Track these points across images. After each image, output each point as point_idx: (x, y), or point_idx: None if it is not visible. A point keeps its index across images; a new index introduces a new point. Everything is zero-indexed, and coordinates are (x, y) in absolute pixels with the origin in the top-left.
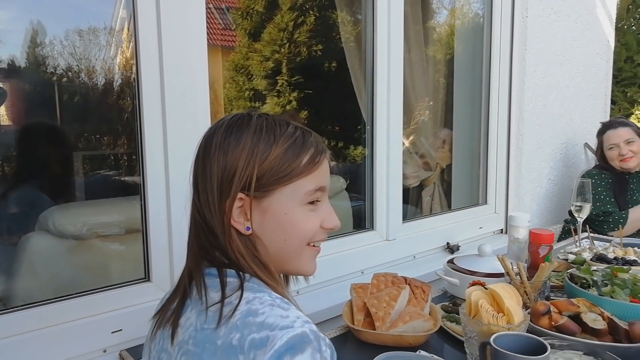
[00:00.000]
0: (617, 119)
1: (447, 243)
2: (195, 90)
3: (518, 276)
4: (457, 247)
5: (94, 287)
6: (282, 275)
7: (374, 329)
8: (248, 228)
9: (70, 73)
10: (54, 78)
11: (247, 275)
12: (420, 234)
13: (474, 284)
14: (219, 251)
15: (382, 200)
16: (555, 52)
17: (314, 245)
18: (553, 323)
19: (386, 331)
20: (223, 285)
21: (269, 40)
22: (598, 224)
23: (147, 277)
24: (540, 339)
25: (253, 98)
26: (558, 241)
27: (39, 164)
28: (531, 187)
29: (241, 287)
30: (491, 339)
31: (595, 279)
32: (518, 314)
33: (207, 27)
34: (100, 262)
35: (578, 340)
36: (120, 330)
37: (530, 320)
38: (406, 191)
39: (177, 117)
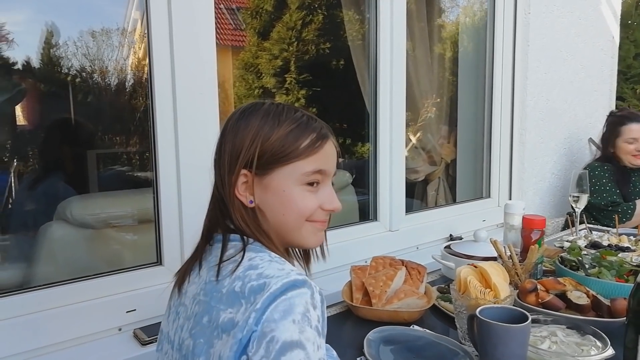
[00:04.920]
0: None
1: (450, 235)
2: (203, 84)
3: (510, 259)
4: (460, 239)
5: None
6: (300, 251)
7: (372, 307)
8: (251, 201)
9: (84, 74)
10: (70, 79)
11: (251, 239)
12: (423, 225)
13: None
14: (228, 220)
15: (385, 191)
16: (559, 48)
17: (315, 222)
18: (540, 300)
19: (382, 307)
20: (225, 246)
21: (278, 39)
22: (606, 214)
23: (159, 261)
24: (522, 310)
25: (262, 96)
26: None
27: (65, 159)
28: (534, 181)
29: (243, 248)
30: (477, 311)
31: (580, 259)
32: (504, 290)
33: (217, 28)
34: (114, 249)
35: (562, 315)
36: (135, 310)
37: (519, 298)
38: (412, 185)
39: (187, 109)
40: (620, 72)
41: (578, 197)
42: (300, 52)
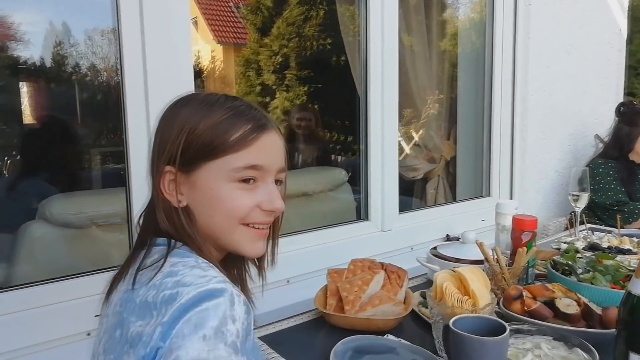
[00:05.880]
0: None
1: (447, 235)
2: (179, 82)
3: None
4: (457, 239)
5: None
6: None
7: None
8: (179, 201)
9: (89, 73)
10: (72, 78)
11: (179, 243)
12: (418, 225)
13: None
14: (157, 222)
15: (376, 190)
16: (561, 41)
17: (252, 227)
18: (525, 308)
19: (355, 315)
20: (148, 251)
21: (278, 35)
22: (611, 214)
23: None
24: (500, 320)
25: (263, 93)
26: None
27: (47, 158)
28: (536, 179)
29: (167, 253)
30: (450, 322)
31: (570, 263)
32: (484, 297)
33: (223, 27)
34: (92, 249)
35: (547, 325)
36: None
37: (503, 305)
38: (411, 183)
39: (160, 99)
40: (630, 67)
41: (578, 195)
42: (301, 48)
